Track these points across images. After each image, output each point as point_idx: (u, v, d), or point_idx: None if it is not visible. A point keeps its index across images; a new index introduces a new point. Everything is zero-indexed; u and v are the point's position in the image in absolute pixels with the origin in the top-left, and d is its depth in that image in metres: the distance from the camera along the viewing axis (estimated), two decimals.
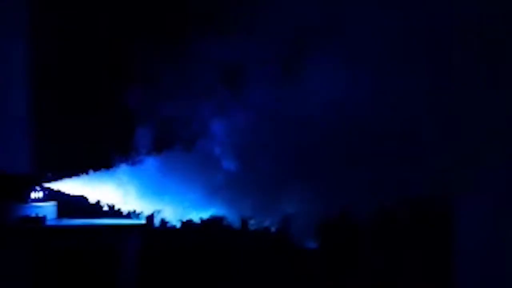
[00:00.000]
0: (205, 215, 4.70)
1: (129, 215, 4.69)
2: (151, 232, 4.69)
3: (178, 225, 4.63)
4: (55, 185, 4.70)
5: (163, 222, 4.64)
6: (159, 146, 4.69)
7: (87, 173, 4.67)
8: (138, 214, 4.66)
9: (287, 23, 4.65)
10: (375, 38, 4.72)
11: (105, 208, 4.67)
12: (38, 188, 4.66)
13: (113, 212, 4.71)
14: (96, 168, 4.69)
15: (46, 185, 4.69)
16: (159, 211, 4.62)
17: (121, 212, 4.69)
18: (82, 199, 4.69)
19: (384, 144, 4.66)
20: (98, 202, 4.67)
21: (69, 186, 4.70)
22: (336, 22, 4.65)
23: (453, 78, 4.82)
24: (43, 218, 4.57)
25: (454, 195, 5.03)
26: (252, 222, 4.67)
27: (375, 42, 4.72)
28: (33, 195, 4.64)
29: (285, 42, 4.64)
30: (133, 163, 4.67)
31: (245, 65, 4.63)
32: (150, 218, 4.68)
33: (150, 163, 4.67)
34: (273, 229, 4.71)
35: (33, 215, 4.58)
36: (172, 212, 4.63)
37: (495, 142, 4.85)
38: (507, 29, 4.81)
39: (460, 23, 4.65)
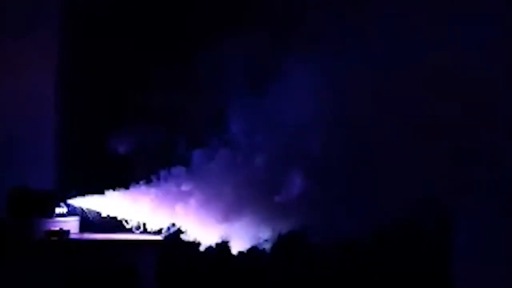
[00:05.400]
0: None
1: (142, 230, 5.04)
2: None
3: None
4: (78, 202, 5.06)
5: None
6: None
7: (107, 192, 5.00)
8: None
9: None
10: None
11: (123, 224, 5.03)
12: (62, 204, 5.03)
13: (131, 227, 5.07)
14: (113, 188, 5.03)
15: (70, 201, 5.06)
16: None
17: (138, 228, 5.05)
18: (102, 215, 5.06)
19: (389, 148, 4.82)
20: (116, 217, 5.03)
21: (91, 203, 5.06)
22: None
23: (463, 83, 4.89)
24: (67, 232, 4.95)
25: (455, 197, 5.14)
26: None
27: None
28: (58, 210, 5.02)
29: None
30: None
31: None
32: (166, 233, 5.02)
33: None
34: None
35: (58, 229, 4.96)
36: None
37: (496, 144, 4.95)
38: None
39: None
